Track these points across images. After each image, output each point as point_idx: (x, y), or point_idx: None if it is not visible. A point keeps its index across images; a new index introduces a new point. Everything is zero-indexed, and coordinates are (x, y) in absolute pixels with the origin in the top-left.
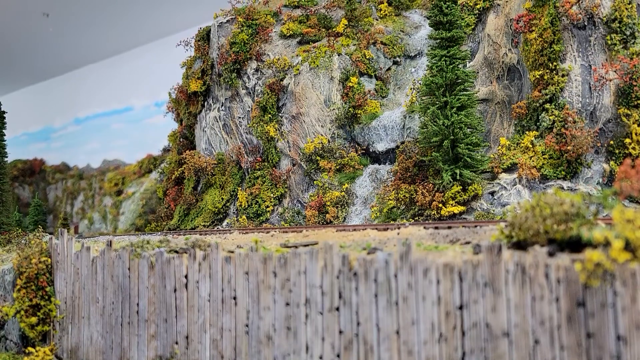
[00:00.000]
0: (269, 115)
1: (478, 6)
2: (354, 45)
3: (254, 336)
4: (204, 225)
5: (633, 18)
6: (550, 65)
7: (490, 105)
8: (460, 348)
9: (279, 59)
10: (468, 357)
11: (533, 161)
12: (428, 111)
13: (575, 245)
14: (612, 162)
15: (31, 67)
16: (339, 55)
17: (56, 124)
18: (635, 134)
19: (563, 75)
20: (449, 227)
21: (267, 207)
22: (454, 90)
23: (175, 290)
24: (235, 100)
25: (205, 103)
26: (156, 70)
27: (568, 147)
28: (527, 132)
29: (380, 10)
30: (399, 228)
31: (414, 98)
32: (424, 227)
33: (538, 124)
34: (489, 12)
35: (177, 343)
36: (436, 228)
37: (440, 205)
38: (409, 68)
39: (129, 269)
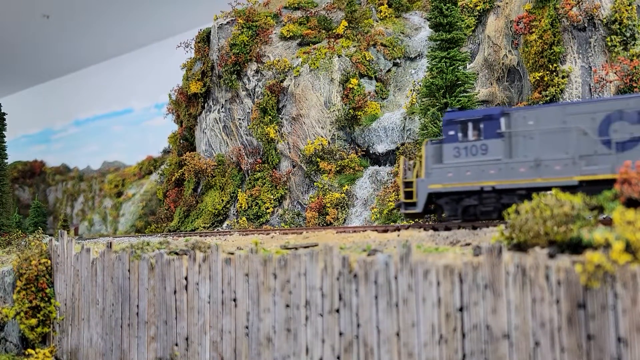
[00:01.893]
0: (269, 117)
1: (478, 8)
2: (354, 46)
3: (254, 338)
4: (204, 227)
5: (633, 20)
6: (551, 66)
7: (490, 107)
8: (461, 350)
9: (279, 61)
10: (468, 358)
11: None
12: (428, 113)
13: (576, 247)
14: None
15: (31, 69)
16: (339, 57)
17: (56, 126)
18: None
19: (563, 77)
20: (449, 229)
21: (267, 208)
22: (454, 92)
23: (175, 292)
24: (235, 101)
25: (206, 105)
26: (156, 72)
27: None
28: None
29: (381, 11)
30: (399, 230)
31: (414, 100)
32: (424, 229)
33: None
34: (489, 14)
35: (177, 345)
36: (436, 230)
37: None
38: (409, 70)
39: (128, 270)
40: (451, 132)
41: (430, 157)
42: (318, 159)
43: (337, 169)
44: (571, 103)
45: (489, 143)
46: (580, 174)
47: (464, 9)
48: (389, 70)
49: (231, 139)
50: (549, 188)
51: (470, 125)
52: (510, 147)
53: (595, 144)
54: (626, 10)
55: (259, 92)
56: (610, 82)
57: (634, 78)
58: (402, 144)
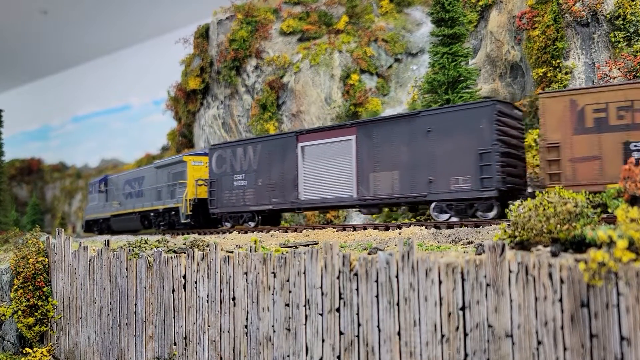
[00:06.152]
0: (269, 114)
1: (480, 3)
2: (355, 42)
3: (253, 337)
4: None
5: (637, 15)
6: (554, 62)
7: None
8: (463, 349)
9: (278, 57)
10: (470, 358)
11: (536, 160)
12: None
13: (579, 245)
14: None
15: (29, 65)
16: (339, 53)
17: (54, 123)
18: None
19: (566, 73)
20: (451, 227)
21: None
22: (456, 88)
23: (173, 291)
24: (235, 98)
25: (204, 101)
26: (155, 68)
27: None
28: (530, 131)
29: (382, 7)
30: (400, 228)
31: (415, 96)
32: (426, 227)
33: None
34: (492, 9)
35: (175, 344)
36: (438, 228)
37: None
38: (410, 65)
39: (126, 269)
40: (91, 189)
41: (89, 201)
42: None
43: None
44: (121, 173)
45: (97, 195)
46: (110, 211)
47: (466, 4)
48: (390, 66)
49: (230, 136)
50: (108, 218)
51: (94, 185)
52: (106, 197)
53: (122, 195)
54: (630, 5)
55: (259, 89)
56: (614, 78)
57: (638, 74)
58: None
